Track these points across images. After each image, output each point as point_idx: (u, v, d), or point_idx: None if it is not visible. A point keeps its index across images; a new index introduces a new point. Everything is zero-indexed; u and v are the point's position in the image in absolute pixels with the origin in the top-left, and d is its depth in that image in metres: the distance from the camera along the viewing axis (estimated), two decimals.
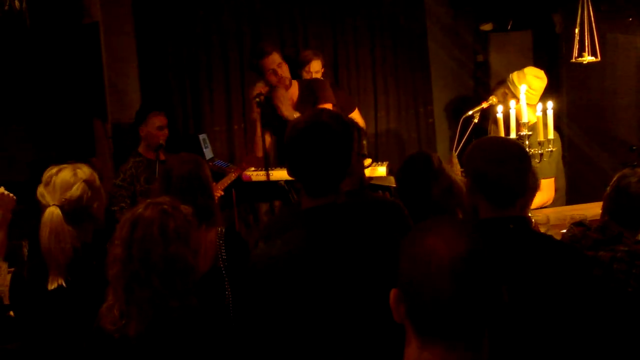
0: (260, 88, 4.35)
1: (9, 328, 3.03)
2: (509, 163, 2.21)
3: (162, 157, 4.68)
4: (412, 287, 1.37)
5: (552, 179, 4.50)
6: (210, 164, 5.03)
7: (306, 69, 5.09)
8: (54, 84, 5.40)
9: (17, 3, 4.89)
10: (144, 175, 4.72)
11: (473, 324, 1.35)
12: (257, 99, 4.30)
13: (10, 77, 5.26)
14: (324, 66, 5.34)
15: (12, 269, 3.52)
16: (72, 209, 2.68)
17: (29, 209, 3.35)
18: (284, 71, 4.50)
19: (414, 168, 3.08)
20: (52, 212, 2.62)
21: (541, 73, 4.51)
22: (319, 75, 5.21)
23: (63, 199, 2.67)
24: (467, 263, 1.33)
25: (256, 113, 4.37)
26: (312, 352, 1.99)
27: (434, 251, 1.34)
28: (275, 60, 4.46)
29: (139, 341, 2.08)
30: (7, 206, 3.23)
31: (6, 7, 4.85)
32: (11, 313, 3.10)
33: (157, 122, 4.78)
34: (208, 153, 5.33)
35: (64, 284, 2.59)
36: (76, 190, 2.69)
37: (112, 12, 5.31)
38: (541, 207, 4.40)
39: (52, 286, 2.60)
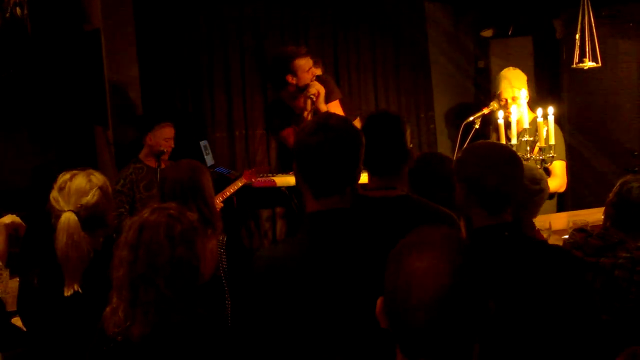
0: (317, 87, 4.49)
1: (12, 335, 3.01)
2: (501, 168, 2.20)
3: (164, 164, 4.69)
4: (391, 310, 1.35)
5: (564, 162, 4.50)
6: (211, 170, 5.03)
7: None
8: (55, 90, 5.40)
9: (18, 10, 4.91)
10: (143, 183, 4.71)
11: (453, 349, 1.31)
12: (312, 96, 4.49)
13: (12, 84, 5.27)
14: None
15: (16, 277, 3.52)
16: (88, 216, 2.65)
17: (30, 215, 3.35)
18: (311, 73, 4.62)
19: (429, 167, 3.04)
20: (69, 217, 2.58)
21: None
22: None
23: (79, 205, 2.63)
24: (449, 294, 1.29)
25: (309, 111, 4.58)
26: (313, 356, 1.99)
27: (416, 279, 1.30)
28: (309, 62, 4.58)
29: (143, 344, 2.08)
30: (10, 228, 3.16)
31: (7, 15, 4.87)
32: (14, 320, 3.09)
33: (166, 133, 4.78)
34: (209, 160, 5.33)
35: (79, 290, 2.56)
36: (92, 197, 2.66)
37: (113, 19, 5.31)
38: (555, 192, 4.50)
39: (68, 292, 2.56)
